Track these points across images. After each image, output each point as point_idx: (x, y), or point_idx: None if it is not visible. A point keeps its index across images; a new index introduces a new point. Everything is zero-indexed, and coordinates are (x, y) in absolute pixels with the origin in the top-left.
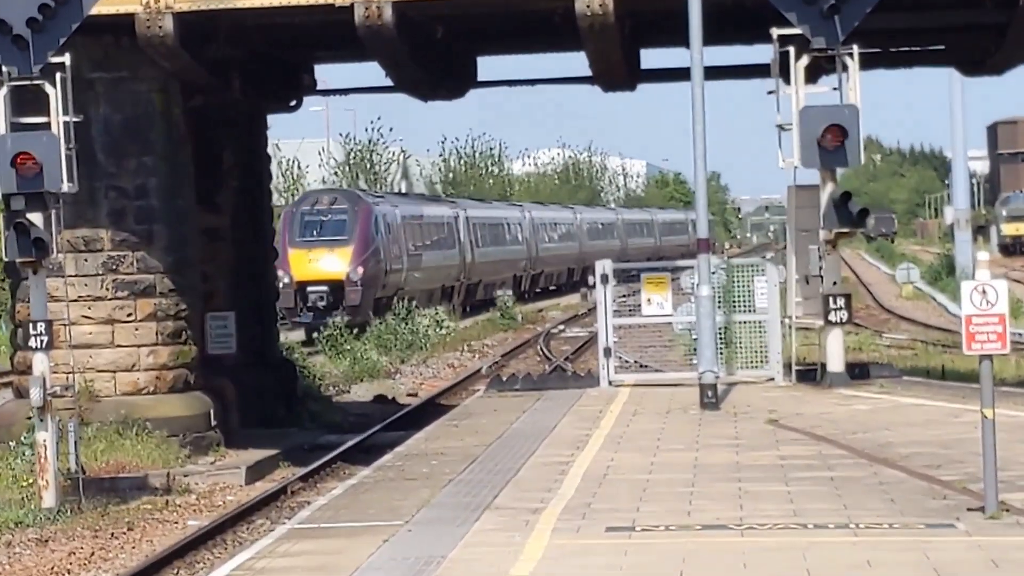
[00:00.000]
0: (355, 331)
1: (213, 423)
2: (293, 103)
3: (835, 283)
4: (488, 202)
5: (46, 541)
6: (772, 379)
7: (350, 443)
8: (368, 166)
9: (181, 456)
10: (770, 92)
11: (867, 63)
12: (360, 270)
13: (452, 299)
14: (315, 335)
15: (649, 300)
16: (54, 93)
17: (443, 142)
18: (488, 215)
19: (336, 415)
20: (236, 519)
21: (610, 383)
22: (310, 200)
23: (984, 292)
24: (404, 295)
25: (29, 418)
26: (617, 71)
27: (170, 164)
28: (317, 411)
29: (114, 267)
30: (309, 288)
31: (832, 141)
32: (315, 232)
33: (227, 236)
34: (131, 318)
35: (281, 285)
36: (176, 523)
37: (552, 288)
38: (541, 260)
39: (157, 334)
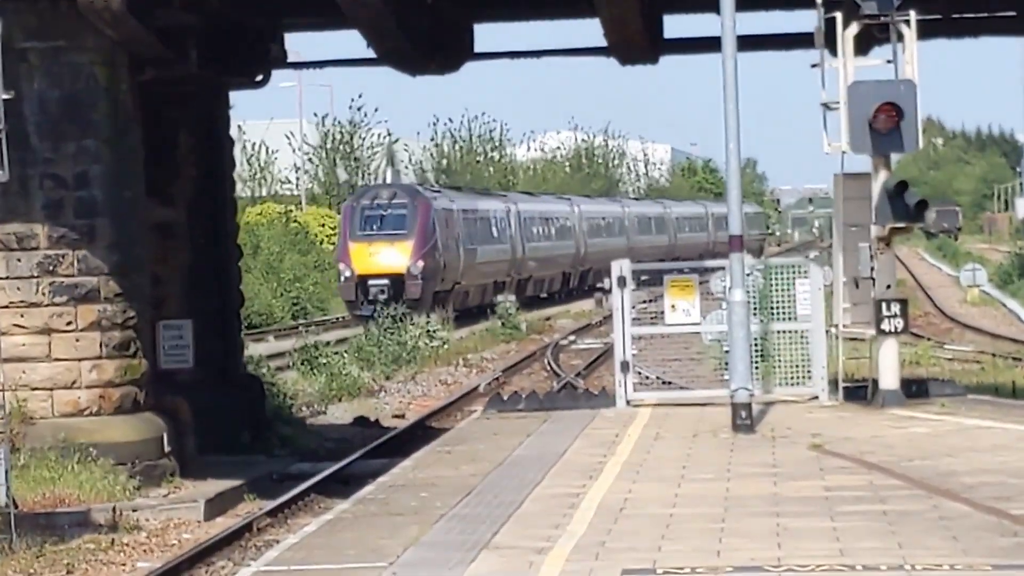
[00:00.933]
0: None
1: (166, 449)
2: (259, 78)
3: (889, 287)
4: (537, 196)
5: None
6: (816, 397)
7: (326, 472)
8: (348, 151)
9: (129, 487)
10: (814, 65)
11: (926, 32)
12: (420, 264)
13: (504, 293)
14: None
15: (674, 306)
16: None
17: (435, 124)
18: (539, 209)
19: (310, 440)
20: (193, 561)
21: (628, 402)
22: (370, 195)
23: None
24: (460, 289)
25: None
26: (637, 41)
27: (116, 149)
28: (288, 435)
29: (51, 268)
30: (370, 281)
31: (886, 122)
32: (375, 226)
33: (183, 233)
34: (71, 327)
35: (343, 279)
36: (123, 565)
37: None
38: (589, 257)
39: (101, 346)
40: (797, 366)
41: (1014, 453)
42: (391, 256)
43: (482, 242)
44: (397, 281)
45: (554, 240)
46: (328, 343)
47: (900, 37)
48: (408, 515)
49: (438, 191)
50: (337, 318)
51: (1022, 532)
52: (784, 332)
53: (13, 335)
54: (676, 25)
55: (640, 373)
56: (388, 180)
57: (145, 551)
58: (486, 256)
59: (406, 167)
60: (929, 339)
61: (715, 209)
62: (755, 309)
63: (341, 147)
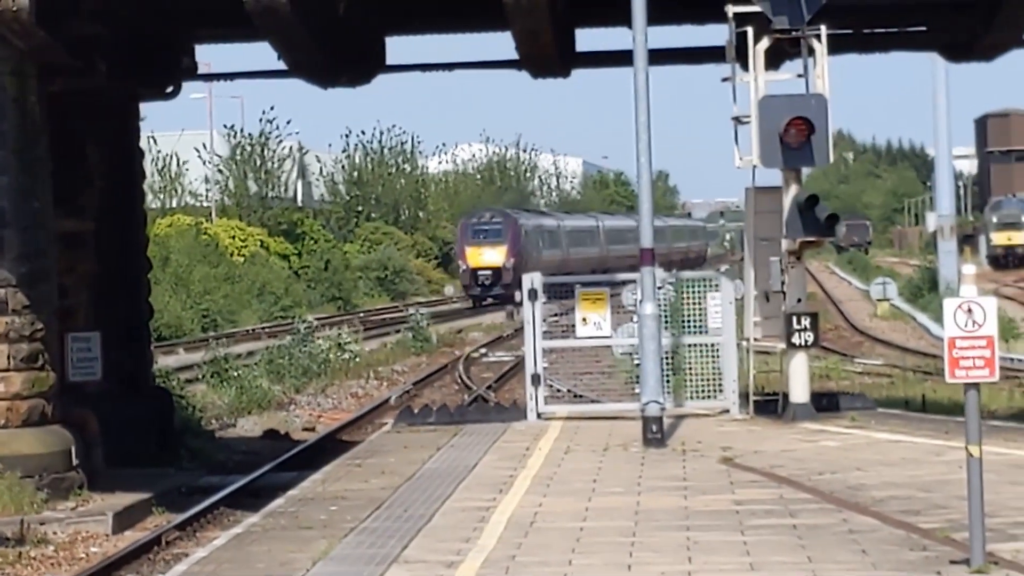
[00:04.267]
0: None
1: (74, 462)
2: (170, 89)
3: (799, 300)
4: (575, 215)
5: None
6: (727, 411)
7: (235, 486)
8: (258, 163)
9: (37, 500)
10: (725, 79)
11: (837, 46)
12: (511, 260)
13: None
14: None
15: (585, 320)
16: None
17: (347, 136)
18: (578, 224)
19: (219, 453)
20: (101, 574)
21: (539, 416)
22: (477, 215)
23: (970, 311)
24: None
25: None
26: (548, 54)
27: (23, 159)
28: (197, 448)
29: None
30: (479, 272)
31: (796, 136)
32: (482, 236)
33: (91, 244)
34: None
35: (461, 270)
36: None
37: None
38: (610, 259)
39: (8, 358)
40: (708, 380)
41: (923, 467)
42: (492, 256)
43: (546, 247)
44: (496, 272)
45: (587, 246)
46: (238, 355)
47: (811, 51)
48: (317, 529)
49: (519, 212)
50: (247, 330)
51: (931, 546)
52: (695, 345)
53: None
54: (589, 39)
55: (551, 386)
56: (299, 191)
57: (53, 565)
58: (549, 256)
59: (317, 179)
60: (839, 353)
61: (673, 222)
62: (666, 322)
63: (251, 159)
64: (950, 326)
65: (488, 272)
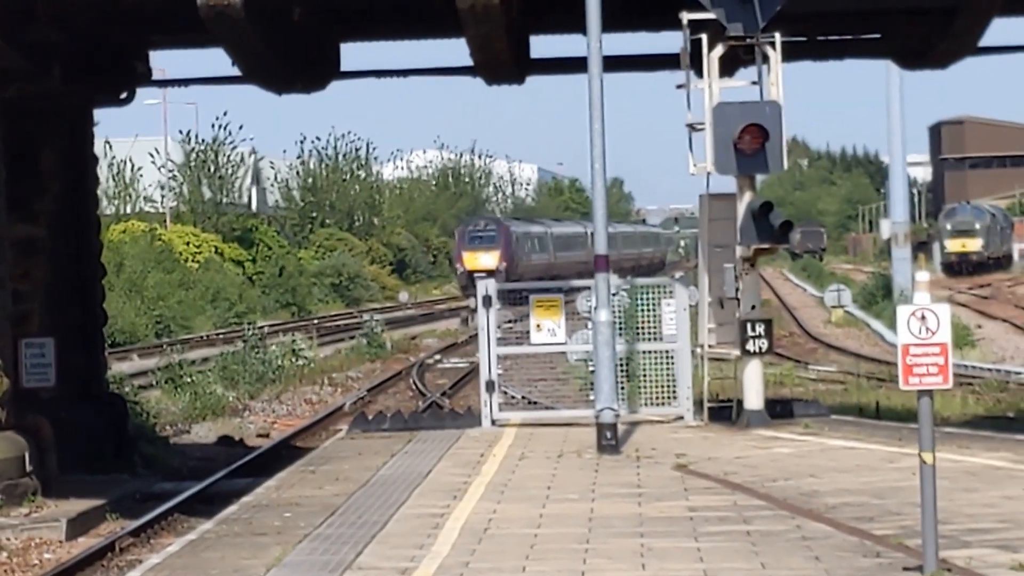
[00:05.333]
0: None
1: (28, 468)
2: (124, 95)
3: (754, 307)
4: (563, 222)
5: None
6: (681, 418)
7: (189, 492)
8: (212, 169)
9: None
10: (679, 86)
11: (791, 54)
12: (504, 264)
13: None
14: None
15: (539, 326)
16: None
17: (301, 142)
18: (564, 231)
19: (173, 459)
20: None
21: (493, 422)
22: (473, 223)
23: (923, 318)
24: (523, 279)
25: None
26: (503, 60)
27: None
28: (151, 454)
29: None
30: (475, 274)
31: (751, 143)
32: (478, 242)
33: (45, 249)
34: None
35: (458, 272)
36: None
37: None
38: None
39: None
40: (662, 386)
41: (876, 473)
42: (486, 259)
43: (535, 252)
44: (490, 274)
45: (573, 251)
46: (192, 362)
47: (765, 59)
48: (271, 535)
49: (510, 220)
50: (202, 336)
51: (884, 552)
52: (650, 352)
53: None
54: (544, 45)
55: (506, 393)
56: (254, 197)
57: (6, 571)
58: (537, 259)
59: (272, 185)
60: (793, 360)
61: (636, 229)
62: (621, 329)
63: (205, 165)
64: (904, 333)
65: (483, 274)
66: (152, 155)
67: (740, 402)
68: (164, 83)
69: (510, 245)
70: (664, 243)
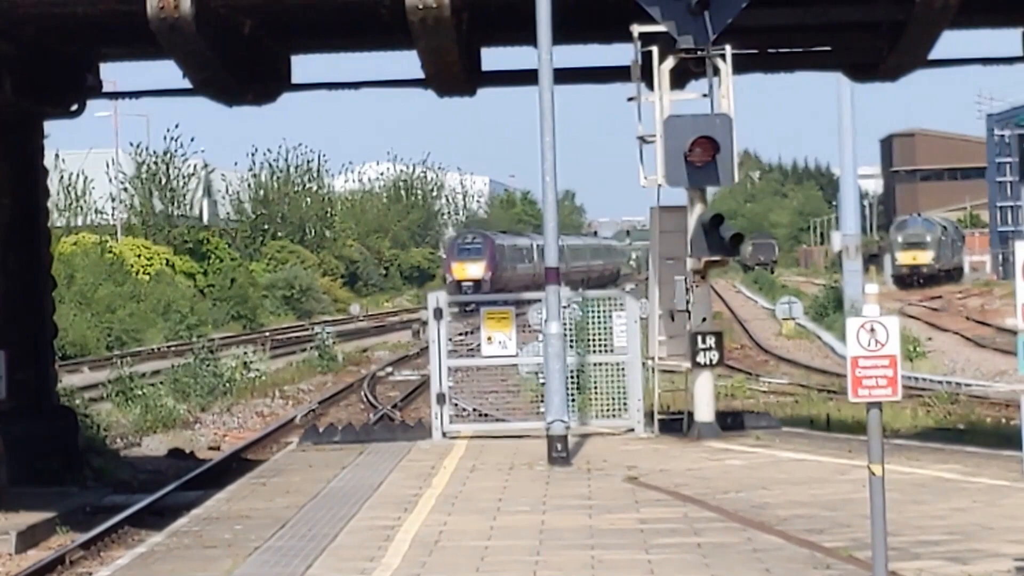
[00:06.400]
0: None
1: None
2: (75, 107)
3: (705, 319)
4: (564, 235)
5: None
6: (632, 430)
7: (140, 504)
8: (163, 181)
9: None
10: (630, 99)
11: (742, 66)
12: (489, 273)
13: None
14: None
15: (490, 338)
16: None
17: (253, 154)
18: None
19: (124, 471)
20: None
21: (444, 434)
22: (462, 236)
23: (873, 330)
24: (507, 288)
25: None
26: (454, 73)
27: None
28: (101, 467)
29: None
30: (463, 282)
31: (701, 156)
32: (466, 253)
33: None
34: None
35: (447, 281)
36: None
37: None
38: (571, 272)
39: None
40: (613, 398)
41: (827, 485)
42: (474, 270)
43: (519, 262)
44: (476, 283)
45: (565, 262)
46: (143, 374)
47: (716, 71)
48: (222, 548)
49: (496, 233)
50: (153, 349)
51: (834, 564)
52: (600, 364)
53: None
54: (495, 57)
55: (457, 405)
56: (205, 209)
57: None
58: (522, 270)
59: (223, 197)
60: (744, 372)
61: (591, 241)
62: (572, 341)
63: (156, 177)
64: (853, 345)
65: (470, 283)
66: (108, 166)
67: (691, 414)
68: (115, 95)
69: (495, 256)
70: (618, 256)
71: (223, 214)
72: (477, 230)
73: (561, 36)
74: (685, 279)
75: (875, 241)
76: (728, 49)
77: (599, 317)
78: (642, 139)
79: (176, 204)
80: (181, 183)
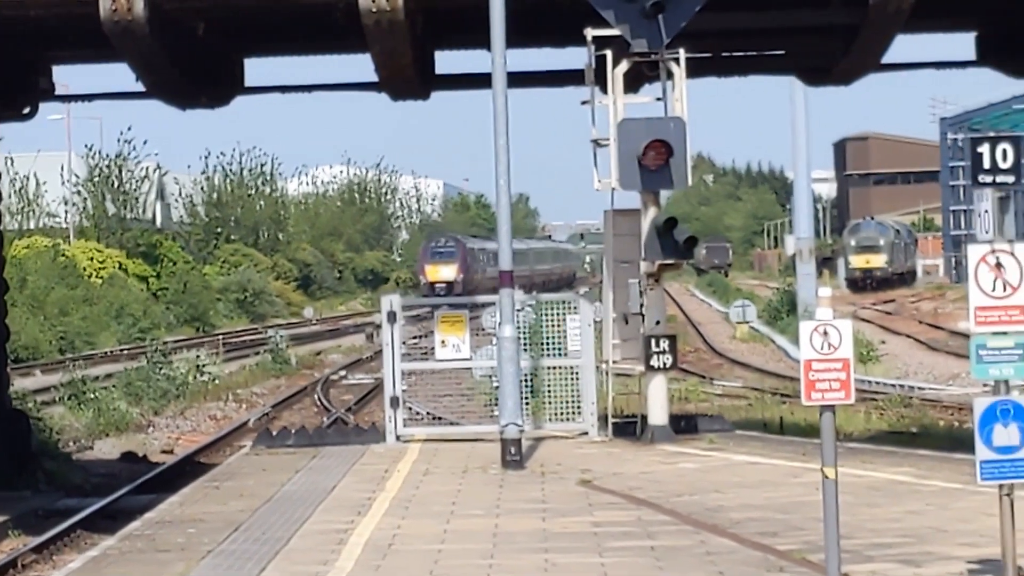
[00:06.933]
0: None
1: None
2: (27, 110)
3: (658, 322)
4: (521, 239)
5: None
6: (585, 433)
7: (92, 508)
8: (116, 184)
9: None
10: (584, 102)
11: (696, 70)
12: (461, 275)
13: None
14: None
15: (444, 342)
16: None
17: (206, 157)
18: (518, 247)
19: (76, 475)
20: None
21: (398, 438)
22: (435, 239)
23: (826, 333)
24: (478, 290)
25: None
26: (407, 76)
27: None
28: (54, 470)
29: None
30: (436, 285)
31: (655, 159)
32: (439, 256)
33: None
34: None
35: (422, 283)
36: None
37: None
38: (536, 276)
39: None
40: (567, 402)
41: (781, 488)
42: (446, 272)
43: (489, 265)
44: (449, 285)
45: (524, 265)
46: (96, 378)
47: (670, 75)
48: (175, 551)
49: (468, 238)
50: (105, 352)
51: (788, 567)
52: (554, 368)
53: None
54: (448, 61)
55: (410, 408)
56: (158, 213)
57: None
58: (492, 272)
59: (176, 200)
60: (698, 375)
61: (545, 244)
62: (526, 345)
63: (109, 180)
64: (806, 349)
65: (443, 285)
66: (61, 169)
67: (645, 417)
68: (67, 98)
69: (467, 259)
70: (574, 259)
71: (176, 217)
72: (450, 234)
73: (515, 39)
74: (639, 282)
75: (829, 245)
76: (682, 53)
77: (553, 320)
78: (596, 142)
79: (129, 207)
80: (134, 186)
